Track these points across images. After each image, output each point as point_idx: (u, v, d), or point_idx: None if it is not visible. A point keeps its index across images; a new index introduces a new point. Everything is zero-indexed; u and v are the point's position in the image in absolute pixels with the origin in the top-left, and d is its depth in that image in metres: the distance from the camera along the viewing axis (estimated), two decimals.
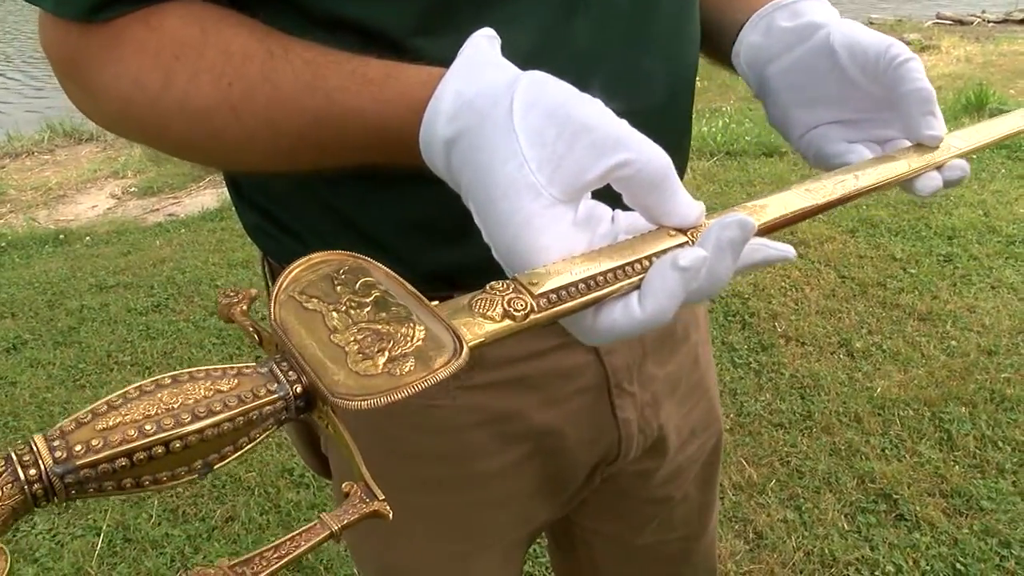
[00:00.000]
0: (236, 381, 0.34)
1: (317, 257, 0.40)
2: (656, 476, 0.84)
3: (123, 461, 0.31)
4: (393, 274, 0.40)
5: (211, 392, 0.33)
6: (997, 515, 1.83)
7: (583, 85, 0.46)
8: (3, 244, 3.88)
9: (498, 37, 0.47)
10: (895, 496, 1.90)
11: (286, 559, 0.31)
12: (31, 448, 0.30)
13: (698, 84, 0.76)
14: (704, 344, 0.87)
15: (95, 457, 0.30)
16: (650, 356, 0.77)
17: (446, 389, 0.69)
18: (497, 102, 0.43)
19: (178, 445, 0.31)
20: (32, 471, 0.30)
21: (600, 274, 0.41)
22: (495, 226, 0.43)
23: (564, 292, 0.40)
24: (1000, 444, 2.04)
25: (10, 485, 0.30)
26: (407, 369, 0.34)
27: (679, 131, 0.72)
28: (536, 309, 0.39)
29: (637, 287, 0.42)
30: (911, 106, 0.60)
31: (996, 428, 2.09)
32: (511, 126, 0.42)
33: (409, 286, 0.39)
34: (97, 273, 3.36)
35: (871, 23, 8.04)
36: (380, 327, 0.36)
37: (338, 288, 0.38)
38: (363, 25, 0.53)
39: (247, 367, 0.35)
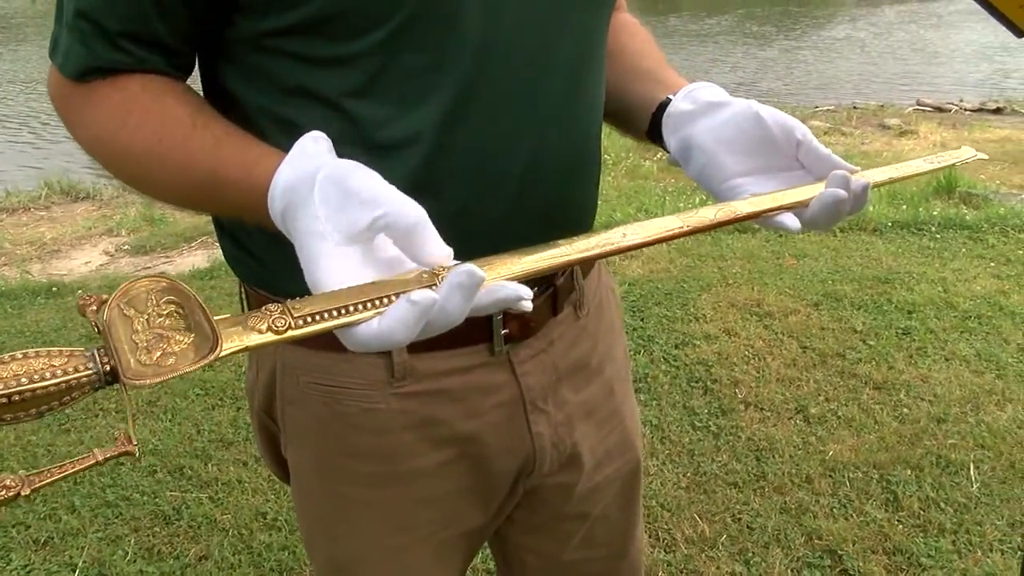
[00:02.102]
0: (67, 359, 0.49)
1: (144, 279, 0.55)
2: (575, 491, 0.94)
3: None
4: (197, 298, 0.54)
5: (47, 365, 0.48)
6: (935, 571, 1.92)
7: (481, 157, 0.70)
8: None
9: (325, 137, 0.63)
10: (840, 552, 2.00)
11: (65, 473, 0.49)
12: None
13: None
14: (621, 381, 0.98)
15: None
16: (564, 382, 0.89)
17: (382, 393, 0.80)
18: (307, 180, 0.59)
19: (17, 398, 0.47)
20: None
21: (351, 303, 0.54)
22: (304, 263, 0.58)
23: (319, 316, 0.53)
24: (943, 505, 2.14)
25: None
26: (169, 363, 0.50)
27: (582, 205, 0.85)
28: (294, 327, 0.53)
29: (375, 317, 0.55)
30: (823, 162, 0.76)
31: (940, 490, 2.20)
32: (311, 197, 0.58)
33: (203, 304, 0.53)
34: (86, 325, 3.44)
35: (855, 108, 8.37)
36: (163, 332, 0.51)
37: (149, 303, 0.53)
38: (308, 90, 0.71)
39: (77, 350, 0.50)
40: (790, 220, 0.74)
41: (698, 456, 2.39)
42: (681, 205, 4.72)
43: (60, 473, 0.48)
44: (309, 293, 0.56)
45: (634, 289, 3.45)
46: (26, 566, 2.04)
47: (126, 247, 4.94)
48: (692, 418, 2.57)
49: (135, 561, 2.04)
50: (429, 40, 0.68)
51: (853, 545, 2.01)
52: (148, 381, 0.49)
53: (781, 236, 4.00)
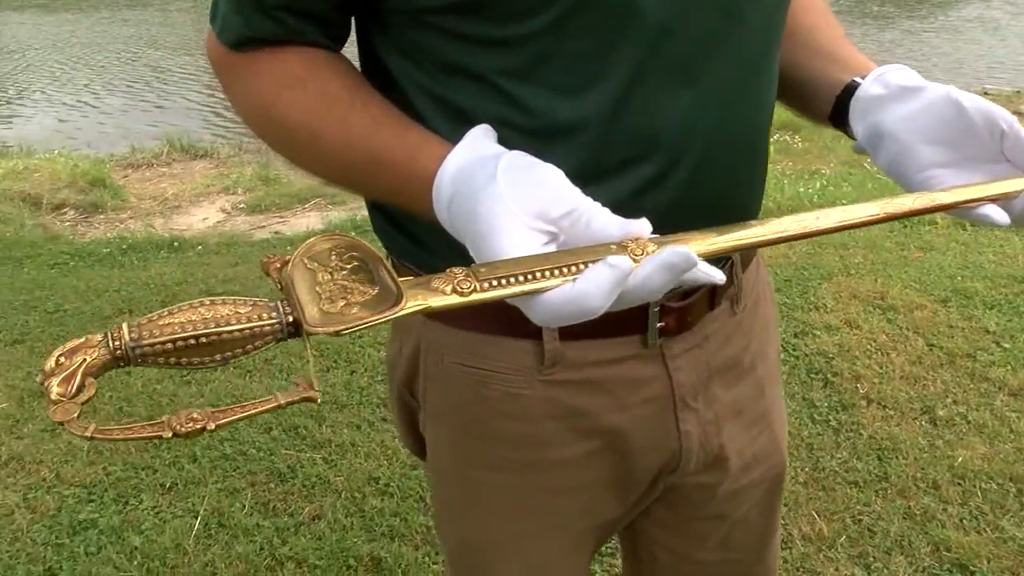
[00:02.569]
0: (251, 308, 0.49)
1: (328, 235, 0.56)
2: (718, 493, 0.91)
3: (169, 346, 0.47)
4: (376, 252, 0.53)
5: (232, 312, 0.49)
6: None
7: (651, 146, 0.68)
8: (124, 247, 4.16)
9: (493, 131, 0.63)
10: (972, 568, 1.89)
11: (247, 412, 0.48)
12: (119, 330, 0.48)
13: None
14: (771, 382, 0.94)
15: (153, 340, 0.47)
16: (716, 378, 0.85)
17: (529, 379, 0.79)
18: (484, 167, 0.58)
19: (204, 341, 0.48)
20: (117, 343, 0.47)
21: (539, 268, 0.52)
22: (480, 242, 0.56)
23: (505, 280, 0.52)
24: None
25: (104, 349, 0.47)
26: (353, 312, 0.49)
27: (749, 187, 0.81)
28: (479, 290, 0.51)
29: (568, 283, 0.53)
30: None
31: None
32: (494, 178, 0.56)
33: (385, 262, 0.53)
34: (207, 280, 3.57)
35: (985, 93, 7.93)
36: (347, 284, 0.51)
37: (332, 257, 0.53)
38: (468, 70, 0.68)
39: (261, 301, 0.50)
40: (996, 213, 0.68)
41: (817, 451, 2.30)
42: (801, 190, 4.56)
43: (242, 412, 0.48)
44: None
45: None
46: (155, 507, 2.13)
47: (242, 205, 5.09)
48: (811, 411, 2.48)
49: (251, 514, 2.10)
50: (601, 23, 0.65)
51: (988, 562, 1.90)
52: (331, 328, 0.48)
53: (906, 226, 3.83)
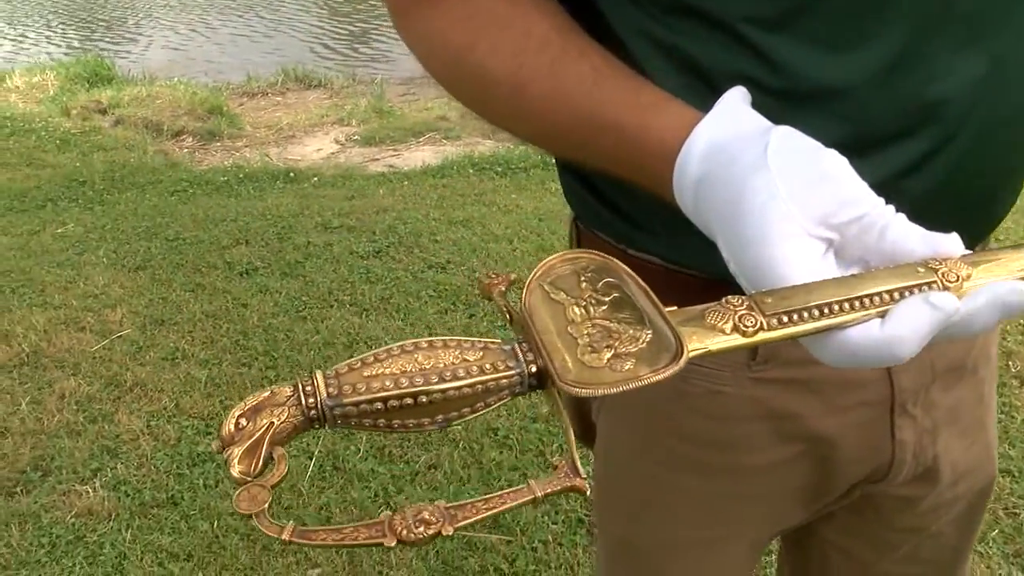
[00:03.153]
0: (481, 354, 0.39)
1: (571, 253, 0.44)
2: (920, 505, 0.81)
3: (379, 405, 0.37)
4: (634, 276, 0.43)
5: (459, 360, 0.38)
6: None
7: (925, 118, 0.54)
8: (240, 176, 4.19)
9: (748, 95, 0.51)
10: None
11: (493, 511, 0.36)
12: (312, 382, 0.37)
13: None
14: (991, 383, 0.83)
15: (358, 399, 0.37)
16: (938, 381, 0.74)
17: (736, 376, 0.70)
18: (749, 146, 0.46)
19: (424, 400, 0.37)
20: (311, 400, 0.37)
21: (837, 302, 0.42)
22: (745, 248, 0.45)
23: (796, 315, 0.41)
24: None
25: (295, 407, 0.37)
26: (626, 367, 0.38)
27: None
28: (766, 327, 0.41)
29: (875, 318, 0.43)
30: None
31: None
32: (764, 164, 0.45)
33: (648, 290, 0.42)
34: (323, 213, 3.56)
35: None
36: (611, 325, 0.40)
37: (583, 284, 0.42)
38: (703, 12, 0.55)
39: (492, 343, 0.39)
40: None
41: None
42: None
43: (487, 510, 0.37)
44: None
45: None
46: None
47: (356, 137, 5.06)
48: None
49: (366, 459, 2.07)
50: None
51: None
52: (598, 390, 0.37)
53: None
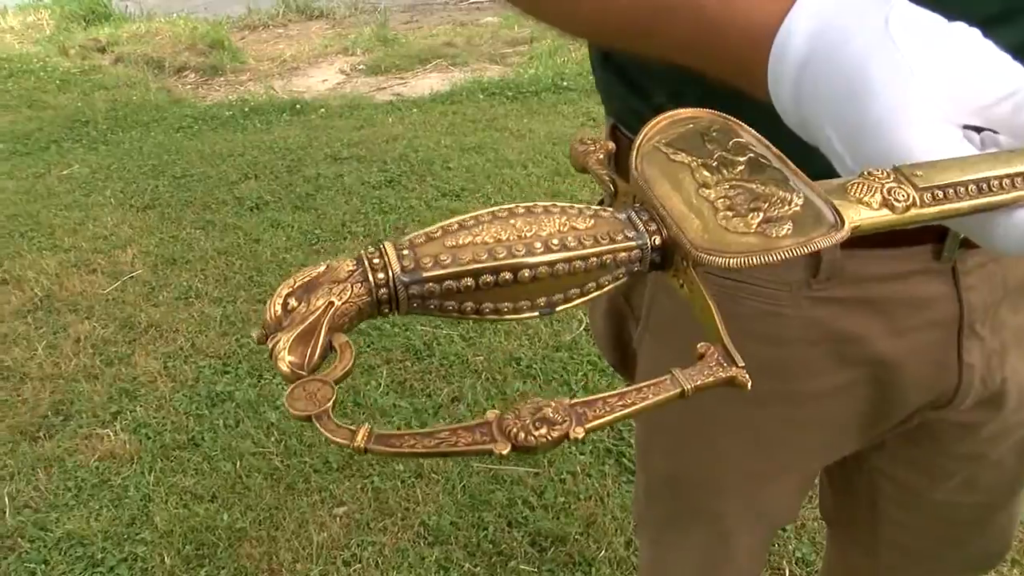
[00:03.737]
0: (592, 222, 0.32)
1: (684, 113, 0.37)
2: (982, 432, 0.76)
3: (469, 281, 0.30)
4: (765, 140, 0.37)
5: (566, 227, 0.31)
6: None
7: None
8: (246, 109, 4.09)
9: None
10: None
11: (631, 409, 0.29)
12: (381, 253, 0.30)
13: None
14: None
15: (441, 272, 0.30)
16: (1007, 299, 0.69)
17: (794, 296, 0.64)
18: (866, 21, 0.40)
19: (526, 275, 0.30)
20: (380, 275, 0.30)
21: (1001, 177, 0.35)
22: (872, 138, 0.38)
23: (952, 190, 0.35)
24: None
25: (359, 285, 0.30)
26: (783, 232, 0.32)
27: None
28: (919, 203, 0.35)
29: None
30: None
31: None
32: (889, 40, 0.38)
33: (782, 155, 0.35)
34: (332, 144, 3.46)
35: None
36: (755, 187, 0.34)
37: (708, 144, 0.36)
38: None
39: (604, 210, 0.33)
40: None
41: None
42: None
43: (623, 408, 0.29)
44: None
45: None
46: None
47: (361, 67, 4.93)
48: None
49: (388, 394, 2.02)
50: None
51: None
52: (758, 259, 0.31)
53: None
